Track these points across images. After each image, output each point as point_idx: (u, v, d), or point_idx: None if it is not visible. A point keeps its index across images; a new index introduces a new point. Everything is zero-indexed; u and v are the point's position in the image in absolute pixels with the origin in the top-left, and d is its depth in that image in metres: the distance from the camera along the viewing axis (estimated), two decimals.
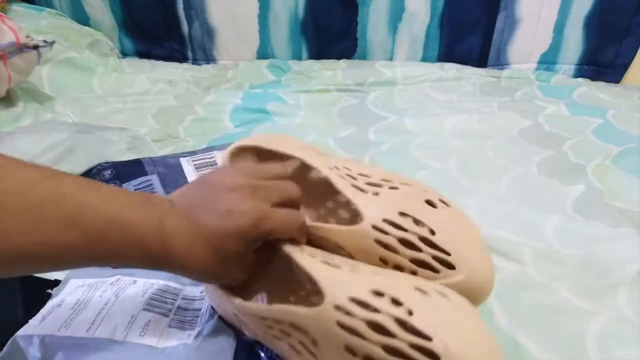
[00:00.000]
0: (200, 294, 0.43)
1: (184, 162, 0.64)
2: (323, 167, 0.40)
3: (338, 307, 0.29)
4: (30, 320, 0.37)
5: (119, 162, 0.65)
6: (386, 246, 0.35)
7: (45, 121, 0.80)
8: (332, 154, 0.49)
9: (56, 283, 0.45)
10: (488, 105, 0.95)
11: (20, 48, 0.79)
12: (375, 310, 0.29)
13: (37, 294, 0.43)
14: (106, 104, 0.90)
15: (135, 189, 0.58)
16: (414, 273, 0.34)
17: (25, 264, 0.28)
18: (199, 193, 0.34)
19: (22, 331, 0.36)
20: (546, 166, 0.73)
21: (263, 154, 0.42)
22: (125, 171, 0.62)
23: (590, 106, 0.95)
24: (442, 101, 1.00)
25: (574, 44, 1.16)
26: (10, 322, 0.37)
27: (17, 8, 1.09)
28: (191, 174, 0.61)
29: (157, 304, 0.40)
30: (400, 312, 0.29)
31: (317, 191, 0.43)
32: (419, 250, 0.35)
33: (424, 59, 1.23)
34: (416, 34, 1.20)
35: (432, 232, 0.35)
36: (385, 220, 0.36)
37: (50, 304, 0.40)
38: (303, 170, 0.43)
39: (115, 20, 1.21)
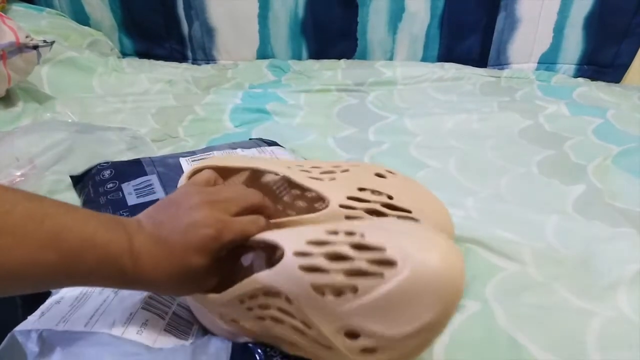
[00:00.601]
0: None
1: (183, 162, 0.64)
2: (280, 168, 0.44)
3: (297, 253, 0.31)
4: (29, 317, 0.37)
5: (119, 162, 0.65)
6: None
7: (45, 121, 0.80)
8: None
9: None
10: (488, 105, 0.95)
11: (20, 48, 0.79)
12: (331, 243, 0.31)
13: (36, 294, 0.43)
14: (106, 104, 0.89)
15: (134, 189, 0.58)
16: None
17: (8, 283, 0.29)
18: (163, 212, 0.36)
19: (20, 326, 0.36)
20: (546, 166, 0.73)
21: (220, 172, 0.44)
22: (125, 171, 0.62)
23: (590, 106, 0.95)
24: (442, 101, 0.99)
25: (574, 44, 1.16)
26: (10, 322, 0.37)
27: (17, 8, 1.09)
28: None
29: (155, 303, 0.40)
30: (354, 239, 0.30)
31: (270, 193, 0.47)
32: (385, 215, 0.39)
33: (424, 59, 1.23)
34: (416, 34, 1.20)
35: (390, 197, 0.41)
36: (349, 198, 0.40)
37: (49, 301, 0.40)
38: (254, 177, 0.47)
39: (115, 20, 1.21)
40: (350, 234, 0.31)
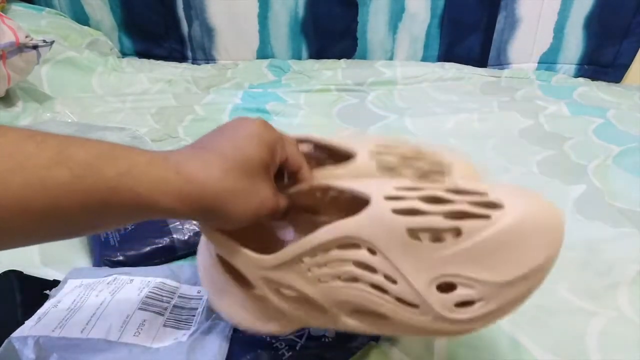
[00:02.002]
0: (198, 294, 0.43)
1: None
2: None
3: (389, 197, 0.28)
4: (26, 322, 0.37)
5: None
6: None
7: (44, 121, 0.80)
8: None
9: (55, 284, 0.45)
10: (488, 105, 0.95)
11: (20, 48, 0.79)
12: (424, 188, 0.28)
13: (36, 294, 0.43)
14: (105, 104, 0.89)
15: None
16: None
17: (23, 216, 0.25)
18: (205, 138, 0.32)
19: (17, 332, 0.36)
20: (547, 166, 0.73)
21: None
22: None
23: (590, 106, 0.95)
24: (443, 101, 0.99)
25: (574, 44, 1.15)
26: (9, 323, 0.37)
27: (17, 8, 1.09)
28: None
29: (152, 302, 0.40)
30: (448, 186, 0.28)
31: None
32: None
33: (424, 58, 1.23)
34: (416, 33, 1.20)
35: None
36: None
37: (47, 304, 0.40)
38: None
39: (114, 20, 1.21)
40: (440, 183, 0.29)
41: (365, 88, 1.04)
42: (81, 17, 1.20)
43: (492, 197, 0.27)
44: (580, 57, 1.17)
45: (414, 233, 0.27)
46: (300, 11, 1.18)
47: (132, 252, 0.50)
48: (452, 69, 1.12)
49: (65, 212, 0.26)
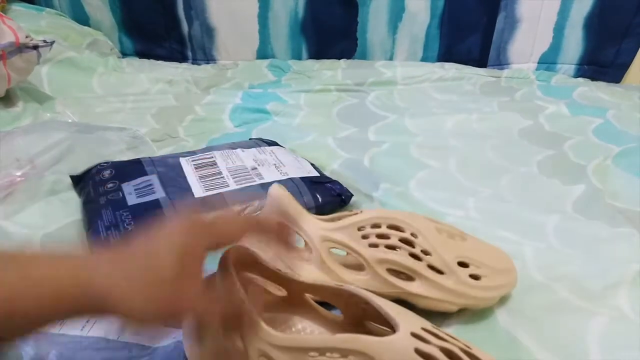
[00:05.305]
0: None
1: (183, 162, 0.64)
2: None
3: (415, 335, 0.31)
4: None
5: (119, 162, 0.65)
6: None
7: (44, 121, 0.80)
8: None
9: None
10: (488, 105, 0.95)
11: (20, 48, 0.79)
12: (444, 339, 0.31)
13: None
14: (106, 104, 0.89)
15: (135, 189, 0.58)
16: None
17: None
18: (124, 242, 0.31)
19: None
20: (546, 166, 0.73)
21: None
22: (125, 171, 0.62)
23: (590, 106, 0.95)
24: (442, 101, 0.99)
25: (574, 44, 1.16)
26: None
27: (17, 8, 1.09)
28: (191, 174, 0.61)
29: None
30: (462, 345, 0.32)
31: None
32: None
33: (424, 58, 1.23)
34: (416, 33, 1.20)
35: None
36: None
37: None
38: None
39: (115, 20, 1.21)
40: (454, 338, 0.32)
41: (365, 88, 1.04)
42: (81, 17, 1.20)
43: None
44: (580, 57, 1.17)
45: None
46: (300, 11, 1.18)
47: None
48: (452, 69, 1.12)
49: None
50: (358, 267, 0.43)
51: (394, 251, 0.42)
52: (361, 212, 0.45)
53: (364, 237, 0.42)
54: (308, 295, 0.39)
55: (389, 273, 0.42)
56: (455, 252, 0.43)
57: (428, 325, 0.33)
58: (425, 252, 0.42)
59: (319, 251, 0.42)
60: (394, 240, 0.42)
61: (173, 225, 0.30)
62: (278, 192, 0.43)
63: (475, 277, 0.43)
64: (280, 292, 0.38)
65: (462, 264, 0.43)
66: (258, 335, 0.31)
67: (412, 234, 0.42)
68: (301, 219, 0.43)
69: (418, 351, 0.30)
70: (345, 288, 0.36)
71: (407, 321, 0.32)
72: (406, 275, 0.43)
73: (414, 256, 0.42)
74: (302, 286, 0.37)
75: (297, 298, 0.39)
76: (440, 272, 0.42)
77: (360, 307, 0.36)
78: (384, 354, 0.30)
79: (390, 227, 0.42)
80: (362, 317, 0.37)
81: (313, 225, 0.43)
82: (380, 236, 0.42)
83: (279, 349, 0.31)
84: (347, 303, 0.37)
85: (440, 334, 0.33)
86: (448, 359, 0.31)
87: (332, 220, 0.45)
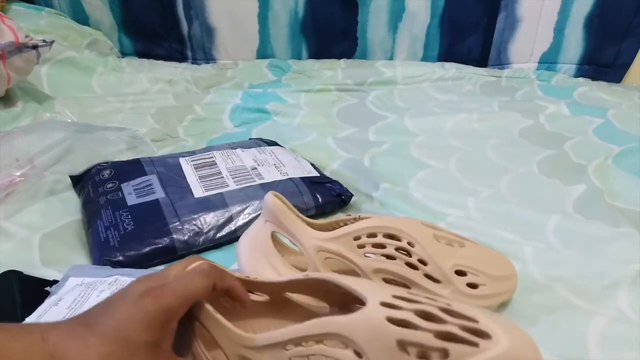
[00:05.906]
0: None
1: (183, 162, 0.64)
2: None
3: (384, 304, 0.29)
4: (26, 319, 0.37)
5: (118, 161, 0.65)
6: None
7: (44, 121, 0.80)
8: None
9: (55, 282, 0.45)
10: (488, 105, 0.95)
11: (20, 48, 0.79)
12: (418, 302, 0.29)
13: (36, 294, 0.43)
14: (105, 104, 0.89)
15: (134, 189, 0.58)
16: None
17: None
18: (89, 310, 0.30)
19: None
20: (547, 166, 0.73)
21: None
22: (125, 171, 0.62)
23: (591, 106, 0.95)
24: (443, 101, 0.99)
25: (574, 44, 1.15)
26: (8, 323, 0.37)
27: (17, 8, 1.09)
28: (190, 174, 0.61)
29: None
30: (439, 304, 0.30)
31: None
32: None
33: (424, 58, 1.23)
34: (416, 33, 1.20)
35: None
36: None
37: (47, 302, 0.40)
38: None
39: (114, 20, 1.21)
40: (433, 299, 0.30)
41: (366, 88, 1.04)
42: (81, 17, 1.20)
43: (482, 325, 0.28)
44: (580, 57, 1.17)
45: (402, 345, 0.28)
46: (300, 11, 1.18)
47: (132, 253, 0.50)
48: (452, 69, 1.12)
49: None
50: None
51: (390, 261, 0.42)
52: (359, 217, 0.45)
53: (360, 246, 0.42)
54: (289, 294, 0.38)
55: (385, 283, 0.42)
56: (452, 261, 0.43)
57: (402, 292, 0.31)
58: (422, 262, 0.42)
59: (315, 262, 0.42)
60: (390, 250, 0.42)
61: (136, 295, 0.29)
62: (273, 202, 0.42)
63: (473, 285, 0.43)
64: (262, 297, 0.38)
65: (460, 273, 0.43)
66: (233, 341, 0.31)
67: (408, 243, 0.42)
68: (295, 229, 0.43)
69: (391, 319, 0.28)
70: (312, 276, 0.35)
71: (375, 292, 0.30)
72: (402, 285, 0.43)
73: (410, 265, 0.42)
74: (275, 286, 0.37)
75: (279, 299, 0.38)
76: (437, 281, 0.42)
77: (337, 292, 0.34)
78: (355, 331, 0.28)
79: (387, 236, 0.42)
80: (346, 302, 0.35)
81: (308, 236, 0.43)
82: (376, 245, 0.42)
83: (255, 349, 0.31)
84: (325, 291, 0.36)
85: (415, 298, 0.31)
86: (425, 321, 0.29)
87: (328, 228, 0.45)
